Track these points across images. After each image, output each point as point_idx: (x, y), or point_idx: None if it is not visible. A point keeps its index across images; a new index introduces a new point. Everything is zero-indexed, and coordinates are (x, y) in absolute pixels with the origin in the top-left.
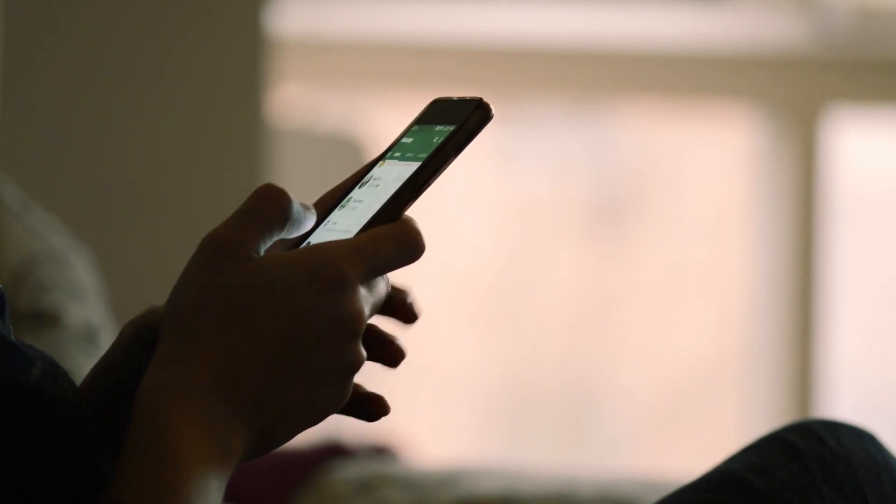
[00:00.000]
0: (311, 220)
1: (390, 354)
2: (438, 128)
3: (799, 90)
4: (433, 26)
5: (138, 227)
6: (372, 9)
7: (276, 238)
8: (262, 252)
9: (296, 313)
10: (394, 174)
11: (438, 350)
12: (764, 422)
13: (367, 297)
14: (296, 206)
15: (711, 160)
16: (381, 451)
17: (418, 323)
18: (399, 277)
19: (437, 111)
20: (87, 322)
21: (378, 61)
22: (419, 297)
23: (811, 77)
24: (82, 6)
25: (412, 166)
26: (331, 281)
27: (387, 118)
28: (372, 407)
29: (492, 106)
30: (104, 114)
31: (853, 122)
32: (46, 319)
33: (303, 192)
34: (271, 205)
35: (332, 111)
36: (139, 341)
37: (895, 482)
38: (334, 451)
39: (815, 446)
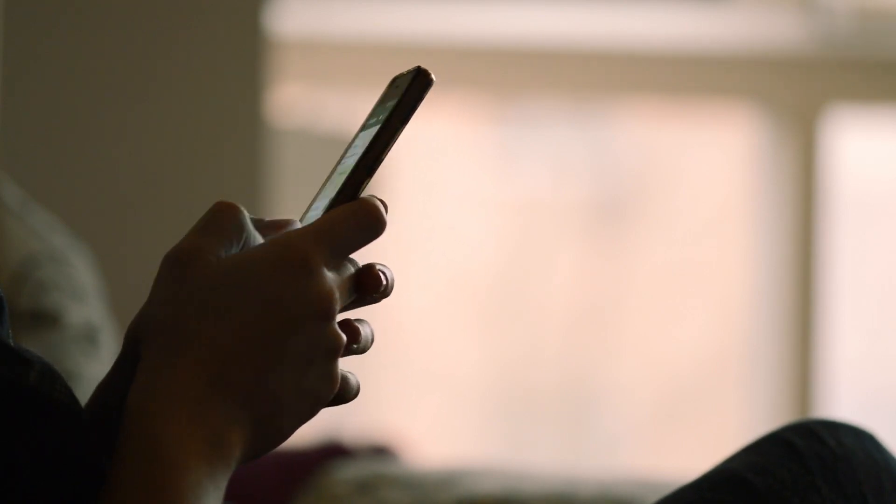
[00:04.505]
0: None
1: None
2: (389, 103)
3: (799, 90)
4: (433, 26)
5: (138, 227)
6: (372, 9)
7: (234, 250)
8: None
9: (267, 303)
10: (356, 155)
11: (438, 350)
12: (764, 422)
13: (334, 279)
14: (249, 221)
15: (711, 160)
16: (381, 451)
17: (417, 323)
18: (397, 277)
19: (391, 88)
20: (87, 322)
21: (378, 61)
22: (419, 298)
23: (811, 77)
24: (82, 6)
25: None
26: (294, 267)
27: None
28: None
29: (431, 72)
30: (104, 114)
31: (853, 122)
32: (46, 319)
33: (303, 192)
34: (226, 216)
35: (332, 111)
36: (128, 355)
37: (895, 482)
38: (334, 451)
39: (815, 446)
